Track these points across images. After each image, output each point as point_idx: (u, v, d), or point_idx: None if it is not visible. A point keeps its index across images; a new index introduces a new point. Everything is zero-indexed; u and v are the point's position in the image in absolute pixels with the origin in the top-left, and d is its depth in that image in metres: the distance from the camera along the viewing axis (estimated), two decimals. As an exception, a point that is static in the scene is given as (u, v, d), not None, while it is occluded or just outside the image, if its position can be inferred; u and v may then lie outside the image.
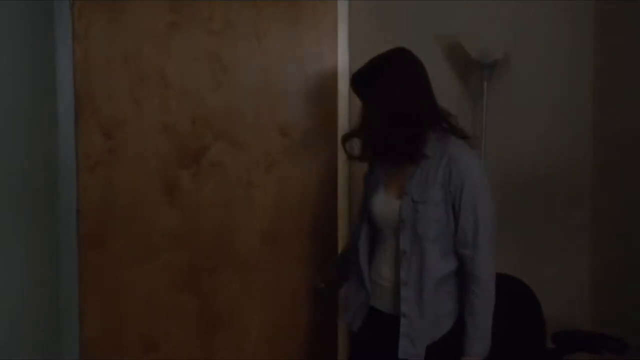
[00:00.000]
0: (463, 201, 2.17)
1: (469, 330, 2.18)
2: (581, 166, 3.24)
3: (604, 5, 3.16)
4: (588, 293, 3.27)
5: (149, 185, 2.83)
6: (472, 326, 2.18)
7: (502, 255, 3.12)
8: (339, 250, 2.82)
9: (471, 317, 2.18)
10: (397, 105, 2.19)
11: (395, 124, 2.19)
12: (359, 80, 2.24)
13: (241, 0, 2.83)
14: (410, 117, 2.21)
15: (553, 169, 3.20)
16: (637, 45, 2.96)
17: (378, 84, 2.20)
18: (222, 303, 2.90)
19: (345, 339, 2.91)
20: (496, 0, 3.09)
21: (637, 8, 2.96)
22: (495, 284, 2.22)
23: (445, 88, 3.11)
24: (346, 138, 2.34)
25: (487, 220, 2.19)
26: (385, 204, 2.29)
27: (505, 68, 3.09)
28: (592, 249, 3.26)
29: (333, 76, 2.87)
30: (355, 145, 2.33)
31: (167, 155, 2.83)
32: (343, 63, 2.86)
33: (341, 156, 2.80)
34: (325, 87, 2.88)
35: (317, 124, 2.89)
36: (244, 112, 2.86)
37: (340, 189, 2.89)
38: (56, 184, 2.73)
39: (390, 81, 2.20)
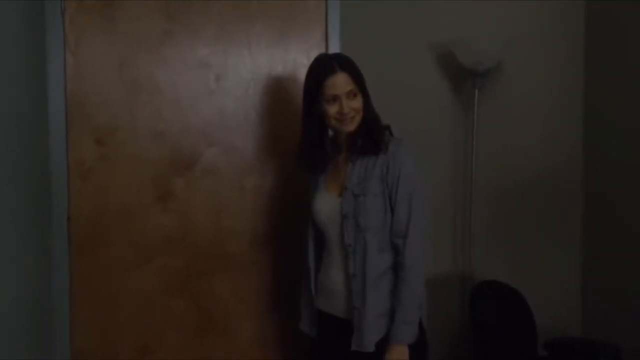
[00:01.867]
0: (399, 192, 2.26)
1: (396, 316, 2.24)
2: (572, 173, 3.25)
3: (594, 13, 3.19)
4: (579, 300, 3.28)
5: (141, 192, 2.82)
6: (398, 312, 2.24)
7: (493, 262, 3.15)
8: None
9: (398, 303, 2.24)
10: (369, 98, 2.35)
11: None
12: (349, 64, 2.31)
13: (233, 9, 2.84)
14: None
15: (544, 176, 3.22)
16: (627, 54, 2.98)
17: (362, 76, 2.32)
18: (216, 307, 2.90)
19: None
20: (487, 10, 3.12)
21: (627, 18, 2.98)
22: (422, 273, 2.30)
23: (437, 96, 3.14)
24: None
25: (420, 211, 2.28)
26: (327, 203, 2.37)
27: (497, 76, 3.11)
28: (583, 256, 3.27)
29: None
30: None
31: (160, 162, 2.83)
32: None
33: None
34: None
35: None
36: (236, 119, 2.87)
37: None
38: (48, 191, 2.72)
39: (363, 78, 2.34)
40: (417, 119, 3.04)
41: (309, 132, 2.36)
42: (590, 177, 3.23)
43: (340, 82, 2.26)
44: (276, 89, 2.90)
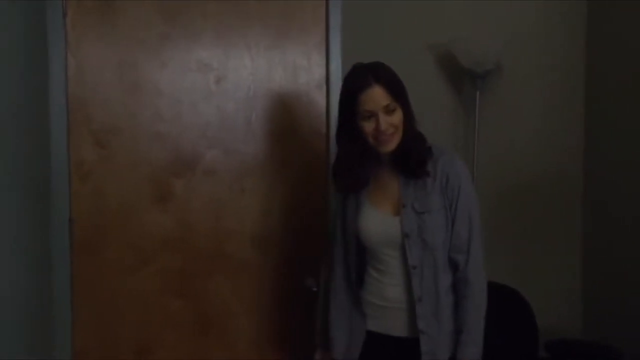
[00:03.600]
0: (459, 206, 2.15)
1: (463, 337, 2.16)
2: (574, 174, 3.25)
3: (596, 14, 3.18)
4: (580, 301, 3.28)
5: (142, 193, 2.83)
6: (466, 332, 2.16)
7: (494, 263, 3.13)
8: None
9: (464, 323, 2.16)
10: (412, 112, 2.19)
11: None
12: (386, 75, 2.13)
13: (231, 11, 2.85)
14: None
15: (546, 177, 3.21)
16: (628, 55, 2.98)
17: (403, 88, 2.16)
18: (215, 307, 2.91)
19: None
20: (488, 10, 3.11)
21: (628, 19, 2.98)
22: (486, 289, 2.22)
23: (438, 97, 3.13)
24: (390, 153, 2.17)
25: (478, 225, 2.19)
26: (381, 222, 2.20)
27: (497, 77, 3.11)
28: (584, 258, 3.26)
29: (322, 85, 2.92)
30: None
31: (160, 164, 2.83)
32: (336, 73, 2.90)
33: (331, 160, 2.82)
34: (315, 96, 2.93)
35: (307, 130, 2.93)
36: (237, 121, 2.87)
37: (331, 191, 2.89)
38: (48, 193, 2.73)
39: (405, 89, 2.17)
40: (418, 121, 3.04)
41: (348, 152, 2.19)
42: (592, 179, 3.22)
43: (375, 97, 2.08)
44: (277, 90, 2.90)
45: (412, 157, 2.14)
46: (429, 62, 3.10)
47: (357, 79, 2.12)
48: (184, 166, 2.85)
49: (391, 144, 2.12)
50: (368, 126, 2.10)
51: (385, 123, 2.08)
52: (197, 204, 2.86)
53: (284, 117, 2.90)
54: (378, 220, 2.20)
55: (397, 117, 2.11)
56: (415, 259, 2.15)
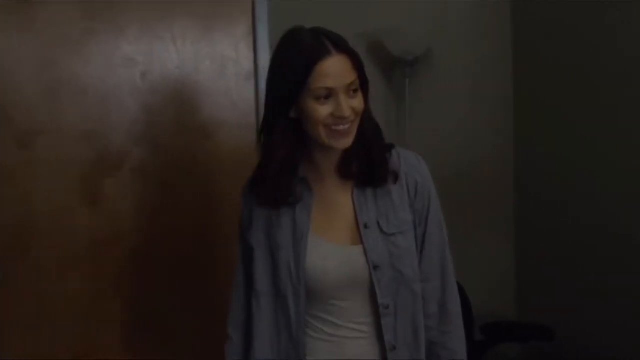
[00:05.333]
0: (431, 221, 1.71)
1: None
2: (504, 159, 3.30)
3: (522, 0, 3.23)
4: (513, 284, 3.34)
5: (70, 194, 2.74)
6: None
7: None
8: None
9: None
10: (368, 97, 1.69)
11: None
12: (346, 43, 1.63)
13: (155, 5, 2.78)
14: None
15: (476, 163, 3.26)
16: (555, 42, 3.03)
17: (362, 62, 1.65)
18: (152, 307, 2.85)
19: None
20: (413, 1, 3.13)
21: (553, 5, 3.03)
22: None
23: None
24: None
25: (448, 242, 1.79)
26: (334, 256, 1.65)
27: (427, 65, 3.13)
28: (516, 241, 3.33)
29: (251, 77, 2.88)
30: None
31: (87, 163, 2.75)
32: (264, 64, 2.85)
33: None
34: (243, 88, 2.89)
35: (236, 123, 2.88)
36: (165, 116, 2.82)
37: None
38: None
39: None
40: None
41: (277, 150, 1.61)
42: (523, 164, 3.28)
43: (338, 69, 1.55)
44: (205, 83, 2.85)
45: (374, 157, 1.65)
46: (359, 51, 3.08)
47: (309, 46, 1.56)
48: (112, 165, 2.77)
49: (350, 137, 1.60)
50: (323, 110, 1.55)
51: (347, 107, 1.56)
52: (127, 202, 2.80)
53: (213, 111, 2.86)
54: (331, 254, 1.65)
55: (359, 101, 1.60)
56: (387, 297, 1.64)
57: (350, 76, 1.57)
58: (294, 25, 2.93)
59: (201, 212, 2.88)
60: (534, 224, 3.21)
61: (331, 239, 1.67)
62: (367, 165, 1.66)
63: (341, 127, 1.57)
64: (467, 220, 3.26)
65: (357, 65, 1.60)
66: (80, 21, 2.72)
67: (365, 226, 1.65)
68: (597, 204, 2.85)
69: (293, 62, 1.56)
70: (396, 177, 1.68)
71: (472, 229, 3.27)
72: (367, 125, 1.66)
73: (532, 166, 3.22)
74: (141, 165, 2.80)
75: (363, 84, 1.63)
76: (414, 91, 3.09)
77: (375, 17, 3.07)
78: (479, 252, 3.28)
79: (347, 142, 1.60)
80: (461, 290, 2.84)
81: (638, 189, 2.65)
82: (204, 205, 2.88)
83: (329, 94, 1.55)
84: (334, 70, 1.55)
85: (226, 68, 2.87)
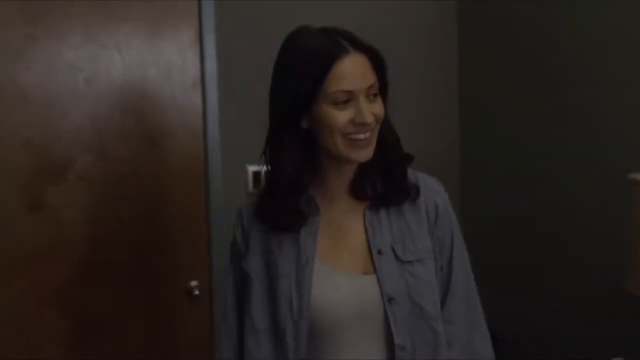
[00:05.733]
0: (456, 258, 1.51)
1: None
2: (449, 160, 3.34)
3: (464, 6, 3.27)
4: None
5: (12, 203, 2.69)
6: None
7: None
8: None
9: None
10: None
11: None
12: (366, 43, 1.46)
13: (99, 11, 2.74)
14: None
15: (419, 164, 3.29)
16: (501, 35, 3.08)
17: (385, 69, 1.49)
18: (96, 316, 2.82)
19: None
20: (361, 2, 3.13)
21: (496, 3, 3.08)
22: None
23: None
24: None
25: (473, 279, 1.58)
26: (343, 286, 1.43)
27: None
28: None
29: (198, 84, 2.87)
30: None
31: (30, 171, 2.70)
32: (210, 71, 2.86)
33: (213, 162, 2.86)
34: (191, 95, 2.88)
35: (183, 131, 2.87)
36: (109, 123, 2.78)
37: (212, 195, 2.88)
38: None
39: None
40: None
41: (287, 165, 1.42)
42: (466, 165, 3.33)
43: (357, 69, 1.39)
44: (151, 90, 2.83)
45: (394, 171, 1.48)
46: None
47: (323, 44, 1.40)
48: (56, 173, 2.73)
49: (370, 149, 1.43)
50: (341, 117, 1.37)
51: (368, 112, 1.39)
52: (72, 211, 2.76)
53: (159, 118, 2.84)
54: (339, 283, 1.44)
55: (380, 106, 1.44)
56: (403, 335, 1.41)
57: (370, 77, 1.40)
58: (242, 33, 2.95)
59: (148, 220, 2.86)
60: (478, 226, 3.27)
61: (340, 266, 1.44)
62: (386, 181, 1.47)
63: (361, 136, 1.40)
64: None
65: (377, 65, 1.44)
66: (21, 27, 2.67)
67: (379, 252, 1.43)
68: (541, 206, 2.91)
69: (306, 64, 1.39)
70: (417, 194, 1.49)
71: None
72: (387, 135, 1.48)
73: (477, 166, 3.26)
74: (86, 173, 2.76)
75: (382, 88, 1.46)
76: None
77: (321, 23, 3.07)
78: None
79: (367, 154, 1.42)
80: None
81: (581, 191, 2.72)
82: (150, 214, 2.86)
83: (348, 98, 1.38)
84: (353, 70, 1.38)
85: (172, 75, 2.85)
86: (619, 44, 2.48)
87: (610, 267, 2.47)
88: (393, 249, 1.43)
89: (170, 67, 2.85)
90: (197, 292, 2.80)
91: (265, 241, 1.50)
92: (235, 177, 2.92)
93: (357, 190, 1.48)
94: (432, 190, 1.52)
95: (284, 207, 1.44)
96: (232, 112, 2.88)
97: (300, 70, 1.39)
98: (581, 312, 2.73)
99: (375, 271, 1.42)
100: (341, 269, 1.44)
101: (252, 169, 2.92)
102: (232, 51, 2.88)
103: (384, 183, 1.47)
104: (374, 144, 1.43)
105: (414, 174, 1.55)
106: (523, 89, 2.96)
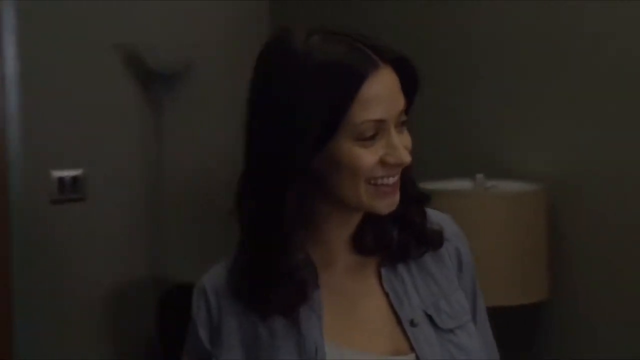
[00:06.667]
0: (479, 306, 1.19)
1: None
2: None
3: (278, 13, 3.30)
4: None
5: None
6: None
7: (191, 265, 3.12)
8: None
9: None
10: None
11: None
12: (395, 51, 1.02)
13: None
14: None
15: (234, 180, 3.28)
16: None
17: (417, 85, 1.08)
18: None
19: None
20: (176, 10, 3.09)
21: (308, 15, 3.13)
22: None
23: (125, 100, 3.04)
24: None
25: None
26: None
27: (187, 80, 3.10)
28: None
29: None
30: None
31: None
32: (11, 77, 2.73)
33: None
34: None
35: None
36: None
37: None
38: None
39: None
40: (103, 124, 2.94)
41: (285, 220, 1.02)
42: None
43: (389, 90, 1.01)
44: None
45: (413, 215, 1.11)
46: (116, 63, 3.01)
47: (347, 56, 0.99)
48: None
49: (397, 196, 1.04)
50: (369, 157, 1.00)
51: (403, 148, 1.02)
52: None
53: None
54: None
55: (409, 138, 1.06)
56: None
57: (400, 100, 1.02)
58: (46, 36, 2.81)
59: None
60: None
61: (361, 348, 1.07)
62: (402, 229, 1.11)
63: (390, 180, 1.02)
64: (224, 237, 3.26)
65: (408, 81, 1.04)
66: None
67: (412, 323, 1.08)
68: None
69: (322, 86, 0.98)
70: (441, 242, 1.13)
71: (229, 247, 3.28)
72: (407, 174, 1.08)
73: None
74: None
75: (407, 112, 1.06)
76: (174, 105, 3.06)
77: (133, 29, 2.99)
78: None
79: (394, 202, 1.04)
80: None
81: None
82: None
83: (377, 131, 1.00)
84: (384, 92, 1.00)
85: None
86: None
87: None
88: (430, 317, 1.09)
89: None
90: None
91: (248, 327, 1.08)
92: (37, 183, 2.79)
93: (362, 243, 1.11)
94: (452, 233, 1.16)
95: (276, 279, 1.03)
96: (36, 114, 2.76)
97: (312, 95, 0.98)
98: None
99: (412, 349, 1.06)
100: (364, 351, 1.06)
101: (57, 174, 2.80)
102: (36, 54, 2.75)
103: (400, 231, 1.11)
104: (398, 188, 1.05)
105: (441, 214, 1.20)
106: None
